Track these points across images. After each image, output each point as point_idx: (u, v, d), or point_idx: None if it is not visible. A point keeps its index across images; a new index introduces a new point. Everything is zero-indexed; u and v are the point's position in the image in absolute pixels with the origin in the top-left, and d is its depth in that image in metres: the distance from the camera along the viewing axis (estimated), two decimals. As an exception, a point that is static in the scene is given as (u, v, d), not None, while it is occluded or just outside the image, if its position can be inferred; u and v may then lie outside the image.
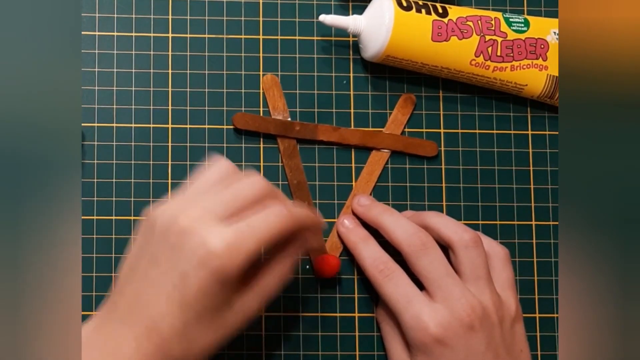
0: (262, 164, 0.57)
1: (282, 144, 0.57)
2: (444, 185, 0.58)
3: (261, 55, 0.58)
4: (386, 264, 0.52)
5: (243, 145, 0.57)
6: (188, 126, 0.57)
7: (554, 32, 0.57)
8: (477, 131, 0.58)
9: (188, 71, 0.57)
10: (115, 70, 0.57)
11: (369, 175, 0.57)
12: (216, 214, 0.44)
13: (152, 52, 0.57)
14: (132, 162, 0.56)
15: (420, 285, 0.51)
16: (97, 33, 0.57)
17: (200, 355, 0.45)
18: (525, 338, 0.52)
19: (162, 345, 0.44)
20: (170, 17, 0.58)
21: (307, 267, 0.56)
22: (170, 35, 0.58)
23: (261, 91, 0.57)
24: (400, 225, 0.52)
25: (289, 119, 0.57)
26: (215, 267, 0.43)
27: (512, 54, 0.55)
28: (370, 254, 0.53)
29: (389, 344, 0.54)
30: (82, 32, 0.57)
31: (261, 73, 0.58)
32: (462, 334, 0.49)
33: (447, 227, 0.52)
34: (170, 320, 0.44)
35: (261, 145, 0.57)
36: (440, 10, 0.55)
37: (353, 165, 0.57)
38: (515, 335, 0.51)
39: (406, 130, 0.58)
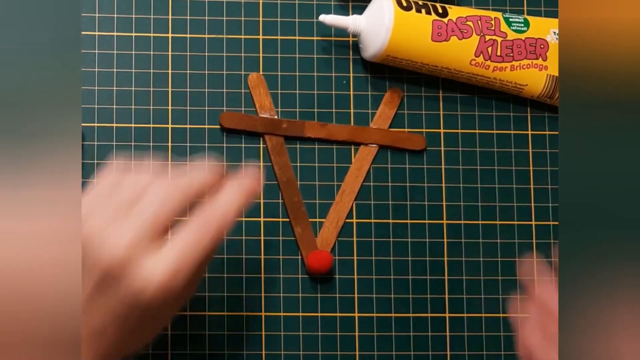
0: (262, 163, 0.57)
1: (270, 141, 0.57)
2: (443, 185, 0.58)
3: (261, 55, 0.58)
4: None
5: (243, 145, 0.57)
6: (188, 126, 0.57)
7: (554, 32, 0.57)
8: (477, 131, 0.58)
9: (188, 71, 0.57)
10: (115, 70, 0.57)
11: (358, 170, 0.57)
12: (146, 238, 0.42)
13: (152, 52, 0.57)
14: (132, 162, 0.56)
15: None
16: (97, 33, 0.57)
17: (140, 349, 0.46)
18: None
19: (103, 354, 0.44)
20: (170, 17, 0.58)
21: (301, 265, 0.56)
22: (170, 35, 0.58)
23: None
24: None
25: (276, 117, 0.57)
26: (157, 301, 0.42)
27: (512, 54, 0.55)
28: None
29: None
30: (82, 32, 0.57)
31: (261, 73, 0.58)
32: None
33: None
34: (110, 337, 0.44)
35: (261, 145, 0.57)
36: (440, 10, 0.55)
37: (344, 163, 0.57)
38: None
39: (406, 130, 0.58)
